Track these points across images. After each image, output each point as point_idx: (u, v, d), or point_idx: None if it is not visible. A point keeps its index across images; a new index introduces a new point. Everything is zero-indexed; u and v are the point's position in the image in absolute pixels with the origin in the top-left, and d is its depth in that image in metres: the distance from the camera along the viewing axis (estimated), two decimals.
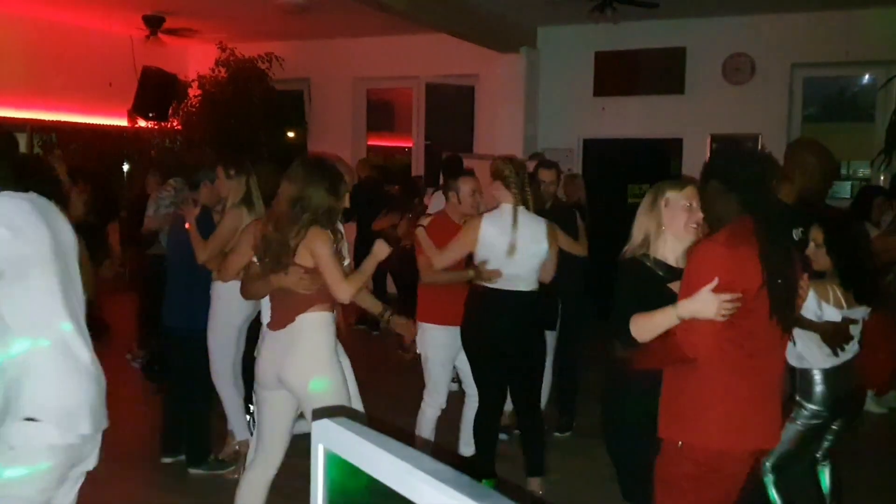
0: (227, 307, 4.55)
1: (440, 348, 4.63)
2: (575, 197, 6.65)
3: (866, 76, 9.26)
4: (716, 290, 2.47)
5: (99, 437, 2.64)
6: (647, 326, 2.68)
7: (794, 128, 9.24)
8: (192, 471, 4.83)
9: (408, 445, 1.02)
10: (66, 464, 2.51)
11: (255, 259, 3.57)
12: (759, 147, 8.82)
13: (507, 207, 4.29)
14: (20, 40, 9.40)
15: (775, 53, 9.03)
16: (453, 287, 4.48)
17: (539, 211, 4.78)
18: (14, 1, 8.88)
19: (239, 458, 4.72)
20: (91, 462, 2.63)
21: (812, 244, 3.59)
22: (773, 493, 3.67)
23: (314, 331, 3.48)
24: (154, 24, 9.52)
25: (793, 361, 3.61)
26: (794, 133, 9.24)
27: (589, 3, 7.64)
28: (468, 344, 4.40)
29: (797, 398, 3.64)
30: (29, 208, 2.50)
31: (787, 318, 2.62)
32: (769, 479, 3.65)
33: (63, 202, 4.87)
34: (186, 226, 4.55)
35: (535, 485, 4.53)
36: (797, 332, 3.50)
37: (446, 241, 4.43)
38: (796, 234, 3.77)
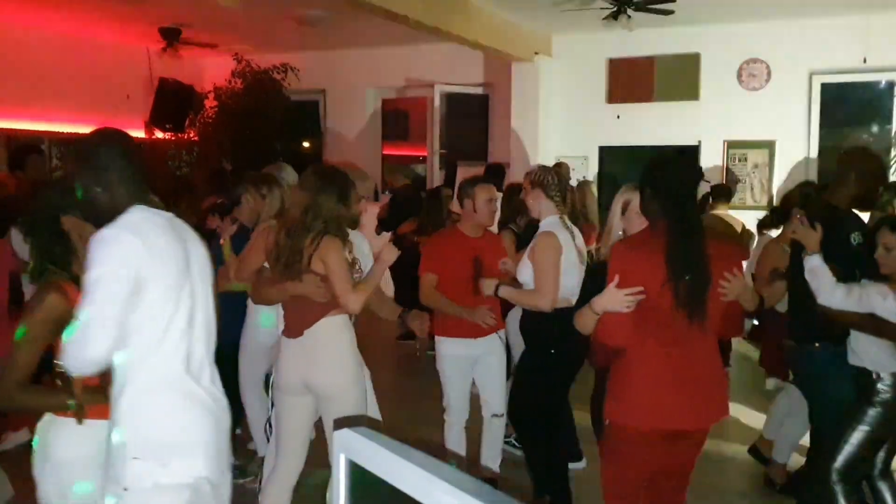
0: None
1: (456, 361, 4.48)
2: (580, 205, 6.59)
3: (883, 81, 9.19)
4: (619, 285, 2.78)
5: (227, 480, 2.53)
6: (580, 322, 2.99)
7: (810, 134, 9.19)
8: None
9: (429, 455, 1.03)
10: None
11: (266, 265, 3.59)
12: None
13: (554, 220, 4.15)
14: (38, 54, 9.49)
15: (791, 59, 8.99)
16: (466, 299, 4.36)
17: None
18: (32, 15, 8.97)
19: (258, 468, 4.71)
20: None
21: (881, 248, 3.48)
22: (842, 502, 3.60)
23: (335, 334, 3.51)
24: (171, 36, 9.59)
25: (867, 365, 3.56)
26: (812, 139, 9.19)
27: (602, 11, 7.63)
28: (552, 372, 4.19)
29: (860, 402, 3.58)
30: (164, 224, 2.38)
31: (695, 311, 2.81)
32: (837, 488, 3.60)
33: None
34: (221, 242, 4.54)
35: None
36: (860, 334, 3.53)
37: (456, 256, 4.33)
38: (854, 238, 3.74)
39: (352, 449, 1.09)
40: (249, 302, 4.48)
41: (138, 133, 10.34)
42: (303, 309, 3.46)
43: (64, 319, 2.38)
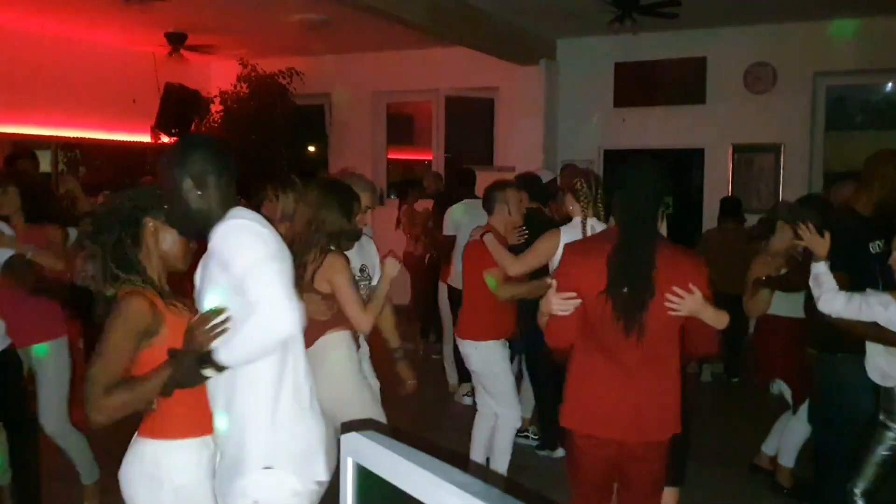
0: None
1: (503, 361, 4.58)
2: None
3: (889, 84, 9.18)
4: (560, 288, 2.77)
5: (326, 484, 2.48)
6: (539, 321, 2.98)
7: (816, 137, 9.18)
8: None
9: (437, 458, 1.02)
10: None
11: None
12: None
13: (577, 220, 4.30)
14: (45, 58, 9.51)
15: (797, 62, 8.97)
16: (501, 301, 4.44)
17: None
18: (38, 20, 9.00)
19: None
20: None
21: (895, 254, 3.43)
22: None
23: (335, 349, 3.51)
24: (176, 41, 9.61)
25: (876, 379, 3.51)
26: (817, 142, 9.18)
27: (608, 15, 7.63)
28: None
29: (881, 418, 3.52)
30: (267, 225, 2.36)
31: (630, 324, 2.73)
32: None
33: (49, 209, 4.89)
34: None
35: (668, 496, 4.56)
36: (879, 348, 3.47)
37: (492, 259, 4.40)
38: (874, 247, 3.70)
39: (359, 452, 1.08)
40: None
41: (144, 138, 10.37)
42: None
43: (150, 329, 2.34)
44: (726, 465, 5.23)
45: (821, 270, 3.46)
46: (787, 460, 4.85)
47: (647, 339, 2.76)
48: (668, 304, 2.73)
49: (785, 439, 4.87)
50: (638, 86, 9.70)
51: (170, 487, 2.37)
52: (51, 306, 4.37)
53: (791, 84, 9.05)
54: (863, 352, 3.59)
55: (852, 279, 3.48)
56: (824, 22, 8.68)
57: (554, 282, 2.80)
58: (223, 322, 2.25)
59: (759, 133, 9.20)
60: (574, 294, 2.74)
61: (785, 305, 4.68)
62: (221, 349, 2.22)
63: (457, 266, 6.24)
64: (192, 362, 2.27)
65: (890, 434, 3.49)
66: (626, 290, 2.72)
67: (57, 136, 9.70)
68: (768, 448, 5.05)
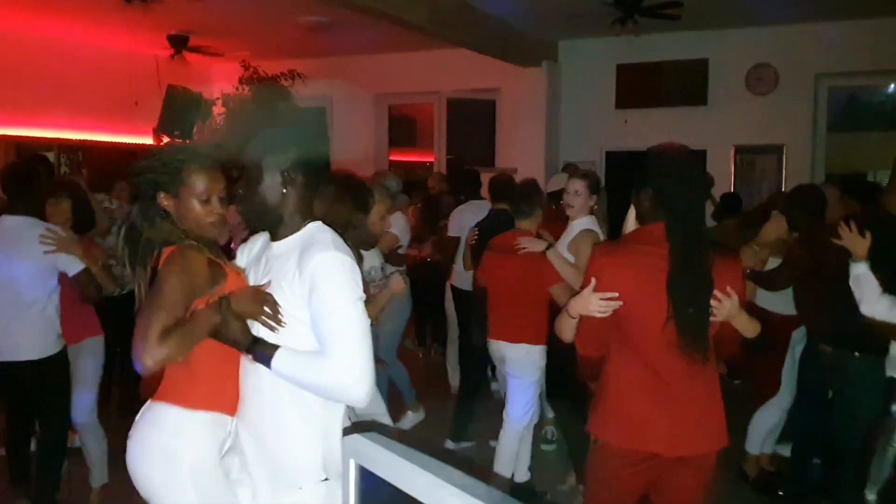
0: None
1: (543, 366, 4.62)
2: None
3: (892, 85, 9.17)
4: (596, 290, 2.56)
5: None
6: (559, 325, 2.80)
7: (818, 138, 9.17)
8: None
9: (437, 460, 1.02)
10: None
11: None
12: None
13: (592, 219, 4.41)
14: (47, 61, 9.53)
15: (799, 63, 8.97)
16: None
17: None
18: (40, 22, 9.01)
19: None
20: None
21: None
22: None
23: None
24: (178, 43, 9.62)
25: (894, 373, 3.47)
26: (819, 143, 9.17)
27: (610, 17, 7.63)
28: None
29: (893, 413, 3.46)
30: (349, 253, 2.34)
31: (696, 347, 2.53)
32: None
33: (90, 218, 4.96)
34: (233, 246, 4.57)
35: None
36: None
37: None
38: None
39: (361, 454, 1.08)
40: None
41: (147, 140, 10.37)
42: None
43: (206, 284, 2.29)
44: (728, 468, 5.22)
45: (861, 271, 3.37)
46: (753, 448, 4.92)
47: None
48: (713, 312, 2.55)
49: (753, 428, 4.92)
50: (640, 87, 9.69)
51: (188, 464, 2.30)
52: (88, 306, 4.51)
53: (793, 85, 9.04)
54: (878, 351, 3.56)
55: (892, 282, 3.39)
56: (826, 23, 8.67)
57: (593, 281, 2.57)
58: (278, 313, 2.24)
59: (760, 134, 9.19)
60: (617, 294, 2.53)
61: (772, 301, 4.68)
62: (282, 356, 2.20)
63: (458, 267, 6.25)
64: (242, 338, 2.24)
65: None
66: (691, 311, 2.51)
67: (59, 139, 9.72)
68: (765, 448, 5.06)
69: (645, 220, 2.72)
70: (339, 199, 3.44)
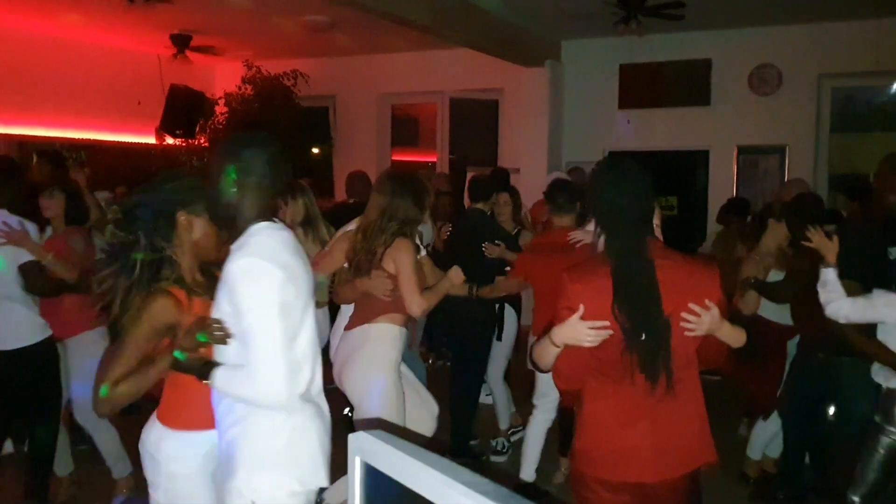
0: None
1: None
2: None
3: (895, 86, 9.15)
4: (583, 317, 2.38)
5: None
6: (538, 353, 2.58)
7: (821, 139, 9.16)
8: None
9: (444, 457, 1.02)
10: None
11: (346, 266, 3.75)
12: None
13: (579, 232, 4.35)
14: (50, 60, 9.54)
15: (802, 64, 8.96)
16: None
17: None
18: (44, 22, 9.02)
19: None
20: None
21: None
22: None
23: (379, 342, 3.62)
24: (181, 42, 9.63)
25: (880, 380, 3.51)
26: (822, 144, 9.16)
27: (613, 17, 7.63)
28: None
29: (877, 420, 3.51)
30: (291, 240, 2.39)
31: (657, 374, 2.42)
32: None
33: (84, 214, 4.99)
34: None
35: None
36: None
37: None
38: (893, 252, 3.69)
39: (367, 451, 1.08)
40: None
41: (149, 139, 10.39)
42: (365, 306, 3.63)
43: (171, 327, 2.42)
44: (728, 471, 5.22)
45: (829, 277, 3.42)
46: (755, 454, 5.04)
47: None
48: (683, 325, 2.41)
49: (756, 434, 5.04)
50: (643, 87, 9.67)
51: (164, 470, 2.53)
52: (87, 298, 4.50)
53: (796, 86, 9.03)
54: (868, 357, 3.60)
55: (867, 286, 3.44)
56: (830, 24, 8.66)
57: (581, 308, 2.38)
58: (222, 331, 2.30)
59: (763, 135, 9.18)
60: (607, 322, 2.37)
61: (768, 310, 4.70)
62: (217, 375, 2.30)
63: None
64: (196, 365, 2.35)
65: (885, 439, 3.47)
66: (644, 337, 2.39)
67: (62, 138, 9.72)
68: (770, 452, 5.08)
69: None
70: (399, 196, 3.55)
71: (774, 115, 9.10)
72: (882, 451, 3.48)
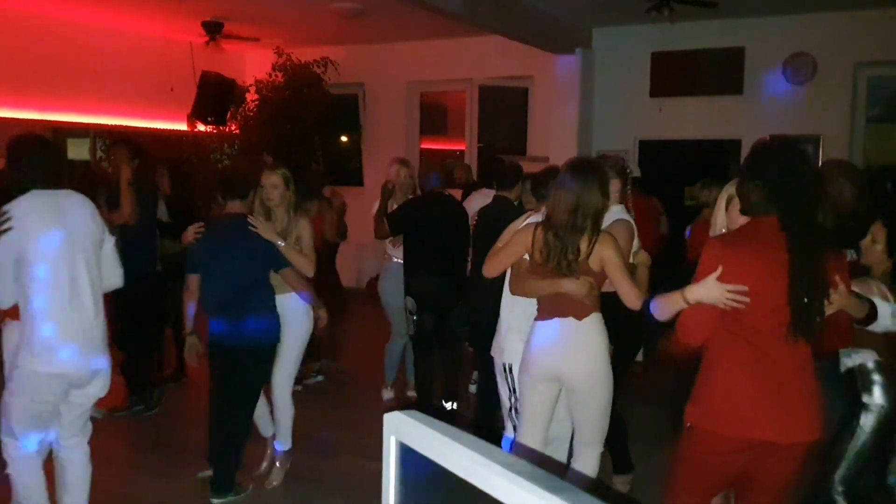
0: (305, 319, 4.63)
1: None
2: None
3: None
4: (721, 280, 2.59)
5: (100, 372, 3.55)
6: (663, 306, 2.80)
7: (857, 129, 9.01)
8: None
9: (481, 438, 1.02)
10: (56, 387, 3.43)
11: (526, 257, 3.68)
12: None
13: (622, 208, 4.36)
14: (85, 47, 9.64)
15: (838, 52, 8.81)
16: None
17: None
18: (78, 9, 9.11)
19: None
20: (92, 390, 3.57)
21: (869, 237, 3.43)
22: None
23: (600, 333, 3.62)
24: (213, 29, 9.68)
25: (847, 362, 3.47)
26: (858, 134, 9.01)
27: (645, 3, 7.55)
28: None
29: (864, 400, 3.45)
30: (42, 207, 3.40)
31: (810, 335, 2.63)
32: (839, 494, 3.48)
33: (115, 204, 5.12)
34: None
35: (619, 483, 4.61)
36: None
37: None
38: (850, 255, 3.63)
39: (402, 431, 1.08)
40: (285, 303, 4.49)
41: (181, 126, 10.47)
42: (566, 301, 3.57)
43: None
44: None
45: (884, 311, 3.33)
46: None
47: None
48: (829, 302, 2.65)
49: None
50: (675, 75, 9.58)
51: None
52: None
53: (831, 75, 8.89)
54: (836, 355, 3.54)
55: None
56: (866, 11, 8.51)
57: (719, 268, 2.59)
58: None
59: (797, 124, 9.03)
60: (745, 288, 2.58)
61: None
62: None
63: None
64: None
65: (866, 414, 3.42)
66: (806, 301, 2.60)
67: (95, 124, 9.83)
68: None
69: (754, 213, 2.75)
70: (587, 190, 3.49)
71: (809, 105, 8.97)
72: (863, 430, 3.44)
